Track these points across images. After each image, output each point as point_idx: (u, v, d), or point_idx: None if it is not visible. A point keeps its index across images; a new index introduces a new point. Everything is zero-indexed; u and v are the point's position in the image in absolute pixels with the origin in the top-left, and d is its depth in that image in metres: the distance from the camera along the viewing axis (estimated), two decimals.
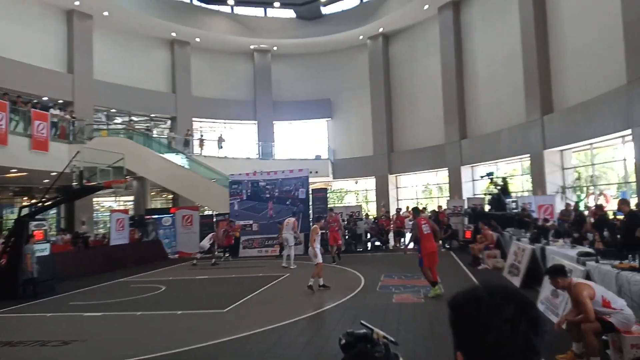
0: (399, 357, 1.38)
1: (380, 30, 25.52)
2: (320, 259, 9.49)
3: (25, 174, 16.75)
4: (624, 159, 14.37)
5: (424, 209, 20.28)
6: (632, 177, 13.49)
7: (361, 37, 26.20)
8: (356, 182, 28.98)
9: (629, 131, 12.92)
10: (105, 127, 22.58)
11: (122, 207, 23.28)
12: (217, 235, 15.47)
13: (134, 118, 24.50)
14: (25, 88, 18.15)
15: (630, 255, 5.84)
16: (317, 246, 9.59)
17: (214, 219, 18.83)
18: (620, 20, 12.95)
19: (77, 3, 20.33)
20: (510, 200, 15.95)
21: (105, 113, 23.64)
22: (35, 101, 17.86)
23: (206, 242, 15.25)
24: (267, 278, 11.39)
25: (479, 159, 21.08)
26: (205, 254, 15.53)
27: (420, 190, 26.36)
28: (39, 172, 16.32)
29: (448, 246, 16.34)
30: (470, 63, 21.93)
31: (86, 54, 21.03)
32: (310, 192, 18.45)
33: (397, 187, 26.23)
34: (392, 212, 19.59)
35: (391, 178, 25.62)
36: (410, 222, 10.95)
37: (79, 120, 18.93)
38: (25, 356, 6.02)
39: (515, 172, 21.10)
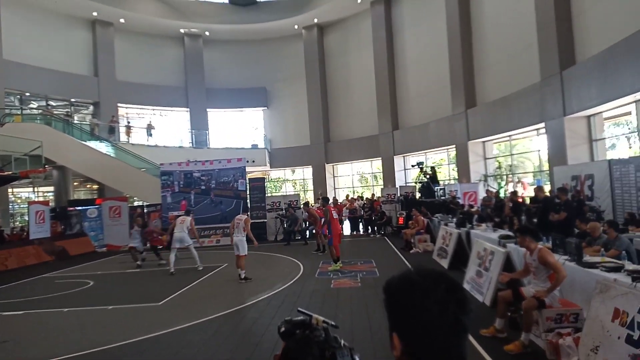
0: (338, 339, 1.41)
1: (315, 20, 25.61)
2: (246, 251, 9.52)
3: None
4: (539, 150, 15.75)
5: (359, 197, 20.90)
6: (546, 166, 14.85)
7: (296, 26, 26.12)
8: (293, 172, 29.07)
9: (542, 124, 14.18)
10: (19, 112, 20.59)
11: (41, 199, 21.49)
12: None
13: (51, 102, 22.57)
14: None
15: (544, 237, 6.44)
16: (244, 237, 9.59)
17: (145, 210, 18.00)
18: (534, 22, 14.09)
19: None
20: (439, 187, 16.88)
21: (18, 96, 21.56)
22: None
23: (139, 243, 12.74)
24: (203, 269, 11.16)
25: (410, 149, 22.06)
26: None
27: (356, 179, 27.05)
28: None
29: (382, 232, 16.97)
30: (400, 57, 22.74)
31: None
32: (248, 181, 18.19)
33: (334, 176, 26.72)
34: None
35: (328, 167, 26.04)
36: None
37: None
38: None
39: (442, 162, 22.33)
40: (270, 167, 27.13)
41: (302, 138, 26.43)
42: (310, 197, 26.28)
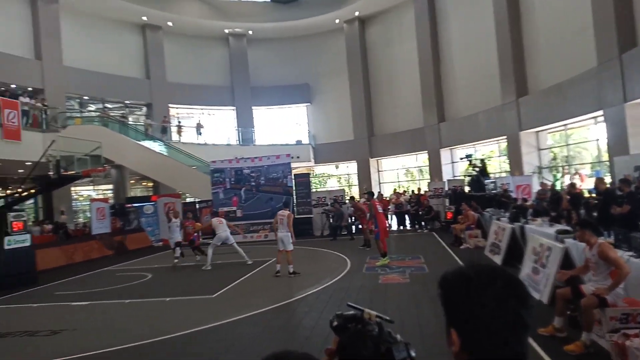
0: (393, 334, 1.40)
1: (356, 14, 25.37)
2: (292, 246, 9.71)
3: None
4: (597, 139, 14.86)
5: (404, 191, 20.63)
6: (605, 157, 14.00)
7: (337, 20, 26.00)
8: (337, 167, 29.12)
9: (600, 112, 13.36)
10: (78, 114, 21.91)
11: (101, 196, 22.84)
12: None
13: (107, 105, 23.86)
14: None
15: (606, 232, 6.09)
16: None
17: (197, 206, 18.69)
18: (590, 4, 13.24)
19: None
20: (489, 181, 16.32)
21: (77, 100, 22.94)
22: (2, 89, 17.19)
23: (179, 236, 12.49)
24: (253, 263, 11.44)
25: (457, 141, 21.44)
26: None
27: (401, 173, 26.70)
28: (12, 162, 15.81)
29: (429, 227, 16.66)
30: (446, 47, 22.09)
31: (54, 40, 20.11)
32: (293, 177, 18.40)
33: (379, 171, 26.49)
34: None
35: (372, 162, 25.83)
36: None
37: (51, 108, 18.32)
38: (15, 347, 5.97)
39: (492, 154, 21.55)
40: (315, 163, 27.29)
41: (345, 133, 26.35)
42: (355, 192, 26.24)
